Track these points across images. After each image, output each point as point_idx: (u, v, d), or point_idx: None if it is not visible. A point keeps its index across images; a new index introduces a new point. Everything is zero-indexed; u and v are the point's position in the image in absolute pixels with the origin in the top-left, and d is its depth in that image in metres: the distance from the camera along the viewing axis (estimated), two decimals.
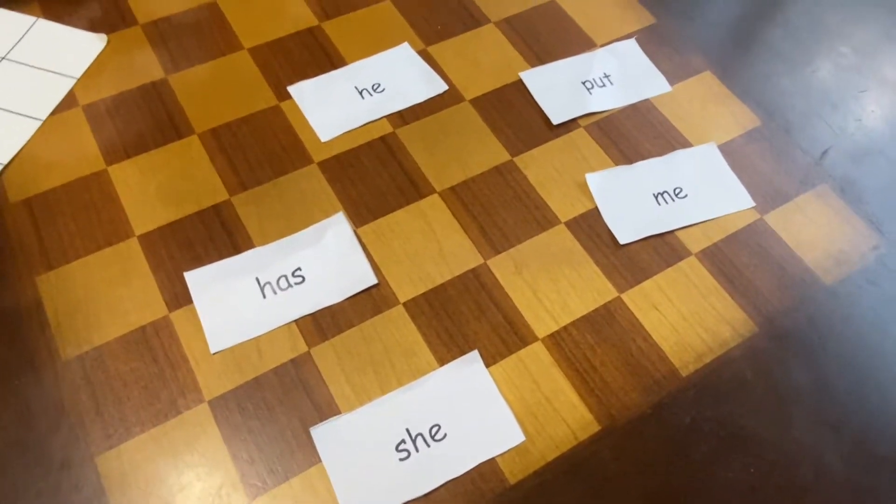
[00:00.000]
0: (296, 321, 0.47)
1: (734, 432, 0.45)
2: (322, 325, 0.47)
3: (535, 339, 0.48)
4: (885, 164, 0.59)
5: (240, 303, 0.47)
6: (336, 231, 0.51)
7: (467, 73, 0.62)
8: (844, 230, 0.54)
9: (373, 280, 0.49)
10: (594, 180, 0.55)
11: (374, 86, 0.60)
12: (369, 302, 0.49)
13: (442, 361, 0.46)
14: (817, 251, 0.53)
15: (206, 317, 0.47)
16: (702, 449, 0.44)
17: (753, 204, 0.55)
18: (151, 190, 0.53)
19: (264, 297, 0.48)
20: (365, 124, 0.57)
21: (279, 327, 0.47)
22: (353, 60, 0.61)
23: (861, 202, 0.56)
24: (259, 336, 0.47)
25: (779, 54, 0.66)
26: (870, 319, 0.50)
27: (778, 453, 0.45)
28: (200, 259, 0.50)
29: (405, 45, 0.63)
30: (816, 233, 0.54)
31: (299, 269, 0.49)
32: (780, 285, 0.51)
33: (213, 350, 0.46)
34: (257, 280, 0.48)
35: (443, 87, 0.60)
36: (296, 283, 0.48)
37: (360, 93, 0.59)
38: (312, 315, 0.48)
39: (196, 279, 0.48)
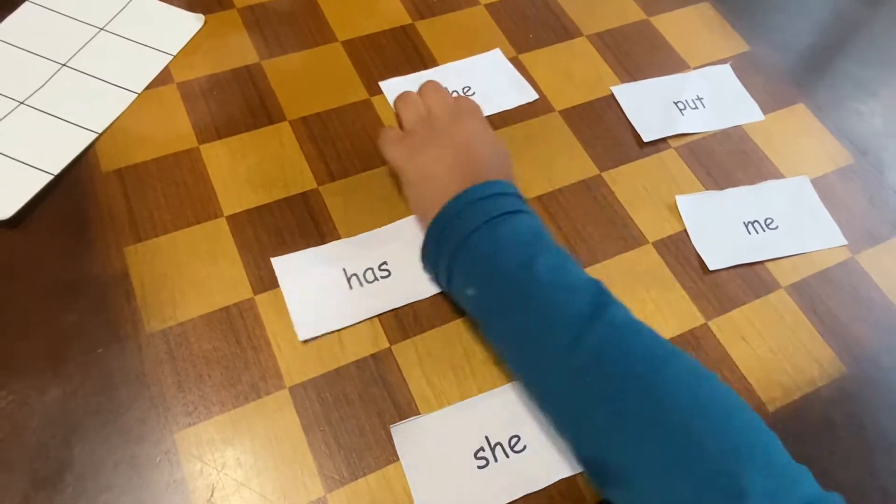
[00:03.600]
0: (378, 317, 0.47)
1: (819, 476, 0.44)
2: (404, 323, 0.47)
3: None
4: None
5: (326, 292, 0.47)
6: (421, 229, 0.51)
7: (558, 83, 0.61)
8: None
9: None
10: (684, 203, 0.54)
11: (464, 88, 0.59)
12: (451, 304, 0.48)
13: None
14: None
15: (293, 303, 0.46)
16: None
17: (845, 242, 0.54)
18: (241, 172, 0.53)
19: (350, 287, 0.47)
20: None
21: (362, 321, 0.47)
22: (444, 62, 0.61)
23: None
24: (342, 328, 0.46)
25: (873, 93, 0.65)
26: None
27: (863, 502, 0.43)
28: (287, 245, 0.50)
29: (497, 50, 0.63)
30: None
31: (385, 262, 0.49)
32: (871, 328, 0.50)
33: (301, 338, 0.45)
34: (344, 271, 0.48)
35: (533, 95, 0.60)
36: (382, 277, 0.48)
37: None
38: (395, 312, 0.47)
39: (283, 265, 0.48)
